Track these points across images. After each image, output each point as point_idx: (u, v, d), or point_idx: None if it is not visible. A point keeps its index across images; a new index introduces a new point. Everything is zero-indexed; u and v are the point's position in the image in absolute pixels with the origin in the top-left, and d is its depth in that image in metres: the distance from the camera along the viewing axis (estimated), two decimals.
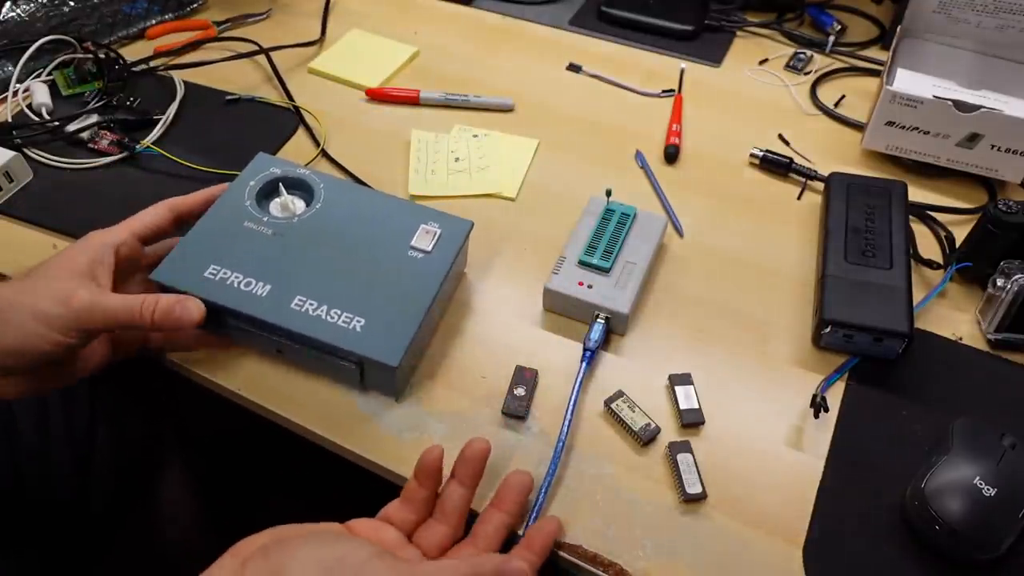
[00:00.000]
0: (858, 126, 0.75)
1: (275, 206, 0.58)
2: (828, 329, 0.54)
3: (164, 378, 0.57)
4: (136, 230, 0.53)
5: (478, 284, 0.61)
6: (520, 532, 0.46)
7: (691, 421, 0.52)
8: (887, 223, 0.60)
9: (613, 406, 0.52)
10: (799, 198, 0.69)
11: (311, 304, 0.51)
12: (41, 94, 0.74)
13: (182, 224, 0.56)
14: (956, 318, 0.59)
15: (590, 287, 0.57)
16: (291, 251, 0.54)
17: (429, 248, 0.55)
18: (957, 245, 0.62)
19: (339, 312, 0.51)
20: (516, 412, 0.52)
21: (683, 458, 0.49)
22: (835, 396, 0.54)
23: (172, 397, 0.73)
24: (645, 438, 0.51)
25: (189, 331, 0.51)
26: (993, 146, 0.66)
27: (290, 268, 0.53)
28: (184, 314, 0.49)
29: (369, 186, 0.68)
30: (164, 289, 0.53)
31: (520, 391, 0.53)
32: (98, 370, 0.52)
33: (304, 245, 0.55)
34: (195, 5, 0.89)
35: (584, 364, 0.54)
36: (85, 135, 0.70)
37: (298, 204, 0.58)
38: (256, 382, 0.54)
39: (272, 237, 0.55)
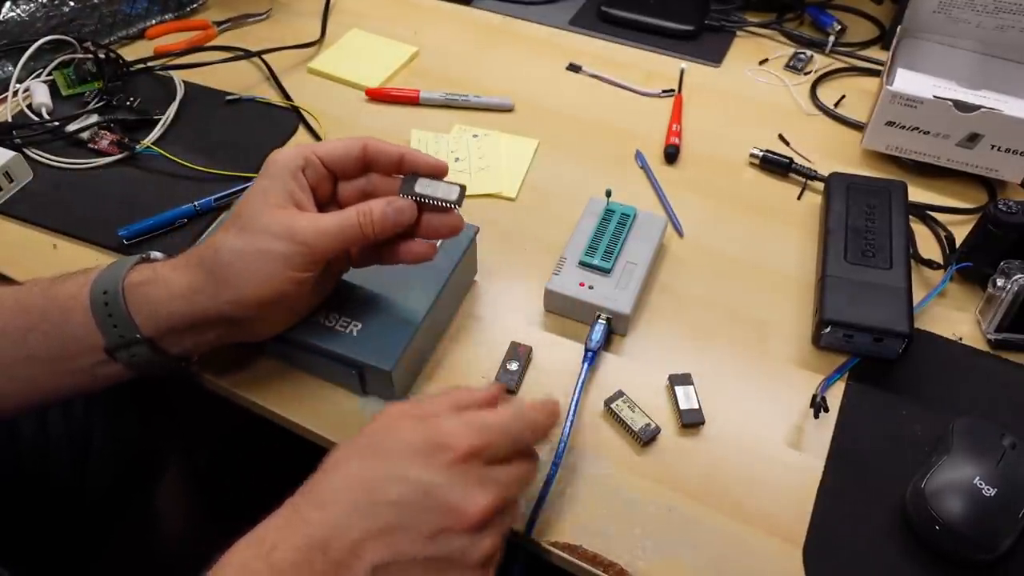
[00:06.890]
0: (858, 126, 0.75)
1: None
2: (828, 329, 0.54)
3: (163, 378, 0.57)
4: (320, 153, 0.47)
5: (479, 285, 0.61)
6: (518, 527, 0.46)
7: (691, 421, 0.52)
8: (887, 223, 0.60)
9: (613, 406, 0.52)
10: (799, 198, 0.69)
11: None
12: (41, 94, 0.74)
13: (368, 170, 0.49)
14: (956, 318, 0.59)
15: (591, 288, 0.57)
16: None
17: None
18: (957, 245, 0.62)
19: (337, 316, 0.51)
20: (507, 387, 0.52)
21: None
22: (835, 396, 0.54)
23: (172, 397, 0.73)
24: (645, 438, 0.51)
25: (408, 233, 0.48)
26: (993, 146, 0.66)
27: None
28: (398, 217, 0.45)
29: None
30: None
31: (513, 366, 0.54)
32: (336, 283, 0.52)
33: None
34: (195, 5, 0.89)
35: (586, 365, 0.54)
36: (85, 135, 0.70)
37: None
38: (257, 383, 0.54)
39: None
